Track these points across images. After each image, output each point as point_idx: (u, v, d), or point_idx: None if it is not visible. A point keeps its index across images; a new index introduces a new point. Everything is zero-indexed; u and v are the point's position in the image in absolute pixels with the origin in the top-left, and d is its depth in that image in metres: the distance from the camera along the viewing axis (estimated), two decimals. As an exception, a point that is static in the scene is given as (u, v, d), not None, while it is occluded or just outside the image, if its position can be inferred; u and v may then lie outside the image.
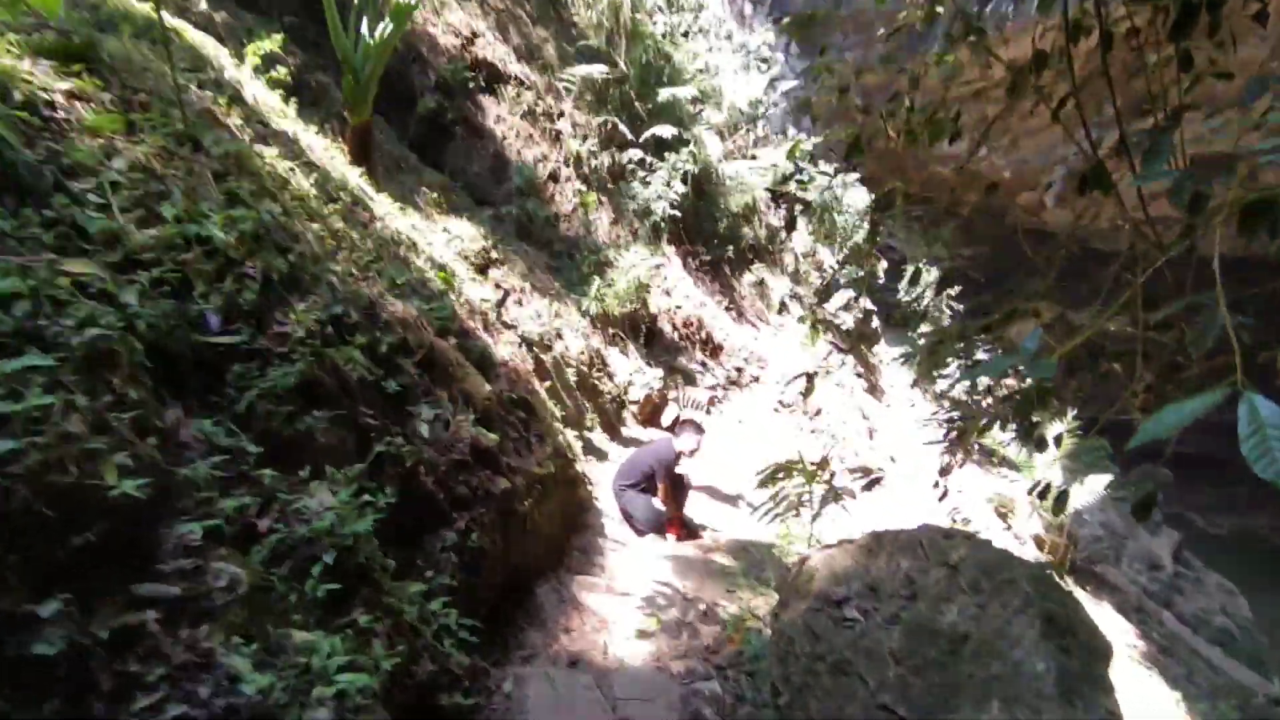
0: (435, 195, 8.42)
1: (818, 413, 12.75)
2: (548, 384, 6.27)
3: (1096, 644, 2.55)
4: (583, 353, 8.63)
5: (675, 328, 11.87)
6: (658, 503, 5.71)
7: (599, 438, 7.90)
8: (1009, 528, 14.51)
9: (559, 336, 8.39)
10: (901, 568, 3.01)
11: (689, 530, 5.92)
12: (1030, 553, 14.22)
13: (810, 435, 11.98)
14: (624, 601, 4.04)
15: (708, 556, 5.23)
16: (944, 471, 4.68)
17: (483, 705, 2.95)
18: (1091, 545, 15.92)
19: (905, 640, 2.78)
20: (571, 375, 7.95)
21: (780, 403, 12.34)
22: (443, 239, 7.71)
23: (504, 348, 4.88)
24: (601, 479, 6.58)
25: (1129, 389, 4.25)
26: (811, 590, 3.24)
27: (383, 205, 4.77)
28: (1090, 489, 11.78)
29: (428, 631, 2.55)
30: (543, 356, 7.15)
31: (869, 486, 4.46)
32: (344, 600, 2.14)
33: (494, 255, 8.18)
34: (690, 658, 3.67)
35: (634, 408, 9.53)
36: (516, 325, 6.50)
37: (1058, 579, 12.58)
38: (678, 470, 5.93)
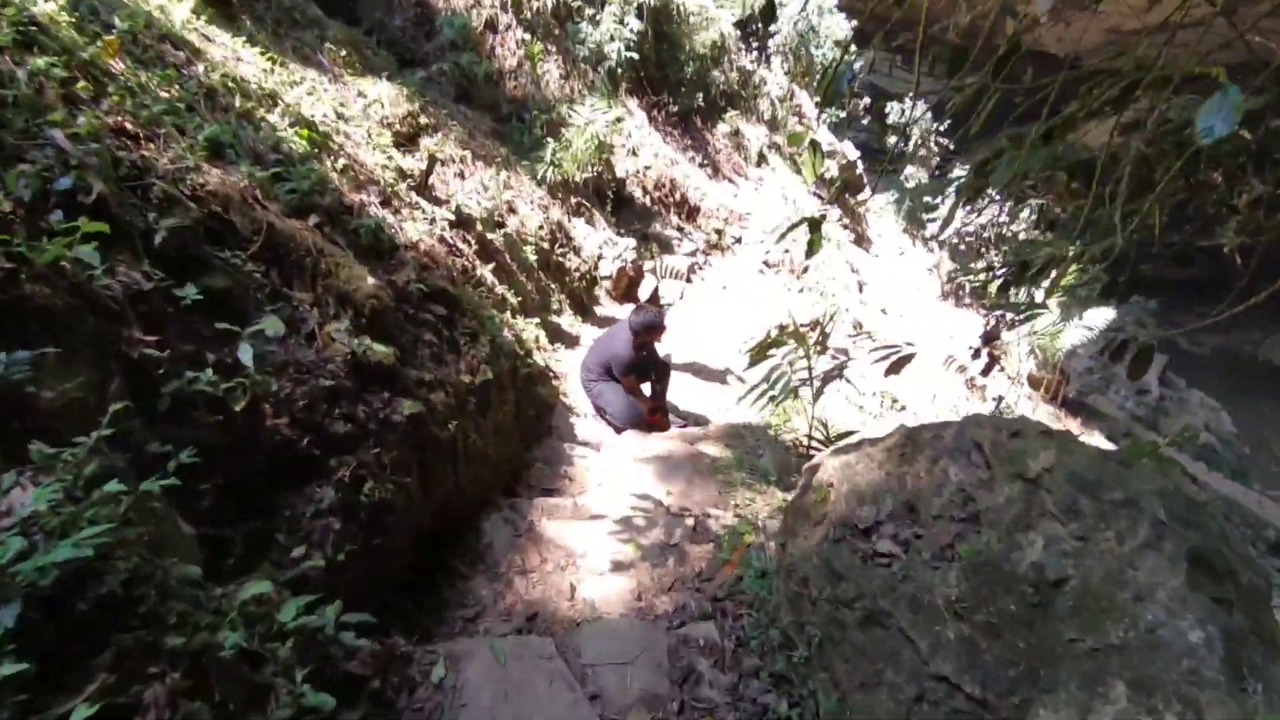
0: (344, 53, 6.96)
1: (805, 270, 11.74)
2: (491, 266, 5.20)
3: (1257, 583, 1.70)
4: (542, 227, 7.48)
5: (646, 191, 10.61)
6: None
7: (568, 321, 6.92)
8: (1002, 369, 13.94)
9: (511, 210, 7.21)
10: (951, 478, 2.13)
11: (672, 420, 5.09)
12: (1025, 391, 13.73)
13: (799, 295, 11.04)
14: (595, 526, 3.21)
15: (695, 449, 4.40)
16: (989, 338, 3.71)
17: (401, 706, 2.14)
18: (1083, 378, 15.46)
19: (967, 585, 1.93)
20: (530, 254, 6.86)
21: (765, 263, 11.29)
22: (358, 105, 6.38)
23: (417, 226, 3.78)
24: (571, 369, 5.67)
25: (1230, 202, 3.23)
26: (827, 513, 2.37)
27: (222, 48, 3.51)
28: (1090, 323, 11.02)
29: (282, 649, 1.67)
30: (490, 235, 6.03)
31: (894, 369, 3.38)
32: (67, 675, 1.24)
33: (424, 121, 6.84)
34: (678, 591, 2.87)
35: (607, 284, 8.49)
36: (449, 200, 5.34)
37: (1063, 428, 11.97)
38: (654, 355, 5.00)
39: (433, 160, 5.39)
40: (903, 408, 8.83)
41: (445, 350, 3.13)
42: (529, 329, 5.41)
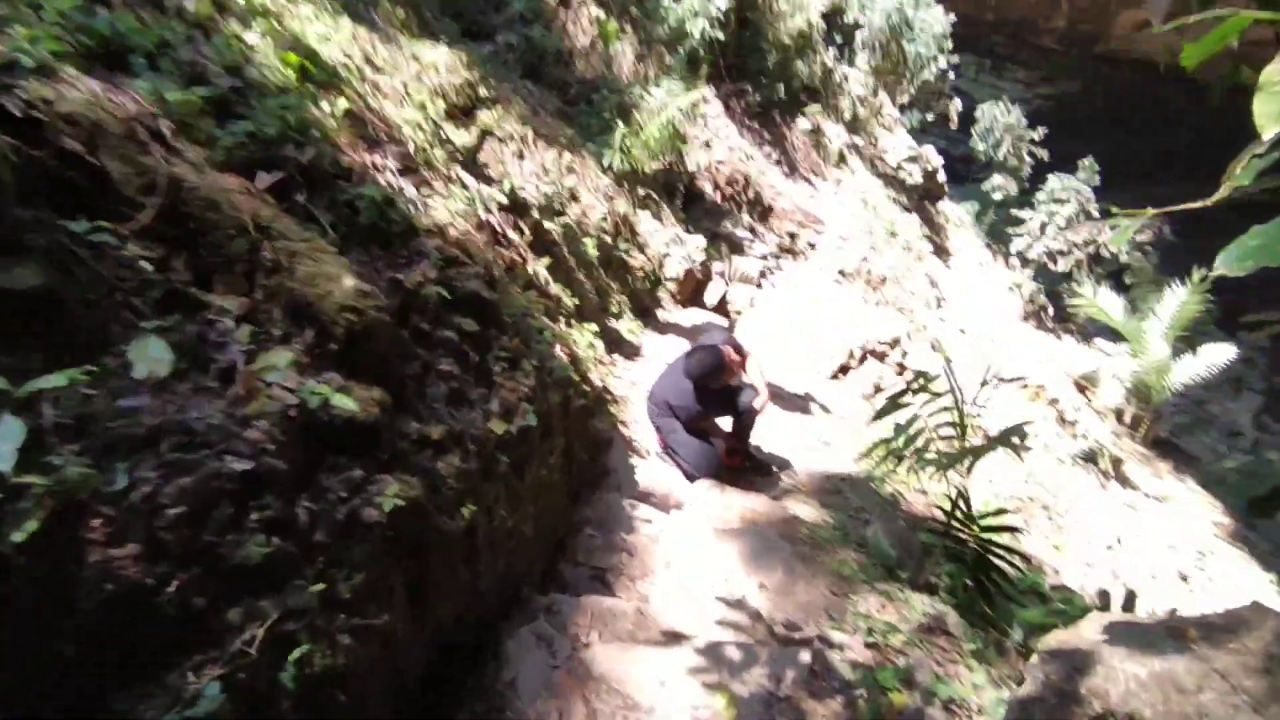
0: (401, 13, 6.00)
1: (882, 282, 10.46)
2: (546, 261, 4.15)
3: None
4: (605, 219, 6.43)
5: (717, 186, 9.46)
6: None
7: (628, 327, 5.84)
8: (1089, 401, 12.41)
9: (574, 198, 6.17)
10: None
11: (755, 464, 3.98)
12: (1111, 427, 12.19)
13: (876, 308, 9.78)
14: (667, 656, 2.12)
15: (786, 511, 3.30)
16: None
17: None
18: (1174, 416, 13.79)
19: None
20: (591, 248, 5.81)
21: (841, 272, 10.05)
22: (411, 70, 5.42)
23: (451, 206, 2.74)
24: (632, 388, 4.60)
25: None
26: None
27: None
28: (1204, 361, 9.49)
29: None
30: (548, 225, 4.99)
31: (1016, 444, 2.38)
32: None
33: (483, 93, 5.83)
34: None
35: (672, 285, 7.39)
36: (502, 180, 4.31)
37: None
38: (734, 387, 3.85)
39: (485, 133, 4.37)
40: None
41: (472, 384, 2.09)
42: (585, 338, 4.36)
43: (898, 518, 3.68)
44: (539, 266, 3.99)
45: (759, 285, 8.53)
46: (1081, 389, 12.17)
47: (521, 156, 5.98)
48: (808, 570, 2.75)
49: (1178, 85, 18.27)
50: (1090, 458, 9.55)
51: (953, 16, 11.94)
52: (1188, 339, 9.38)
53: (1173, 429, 12.93)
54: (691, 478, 3.55)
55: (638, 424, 4.05)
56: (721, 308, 7.86)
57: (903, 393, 2.89)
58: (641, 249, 7.02)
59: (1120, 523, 9.20)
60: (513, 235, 3.78)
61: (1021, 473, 7.23)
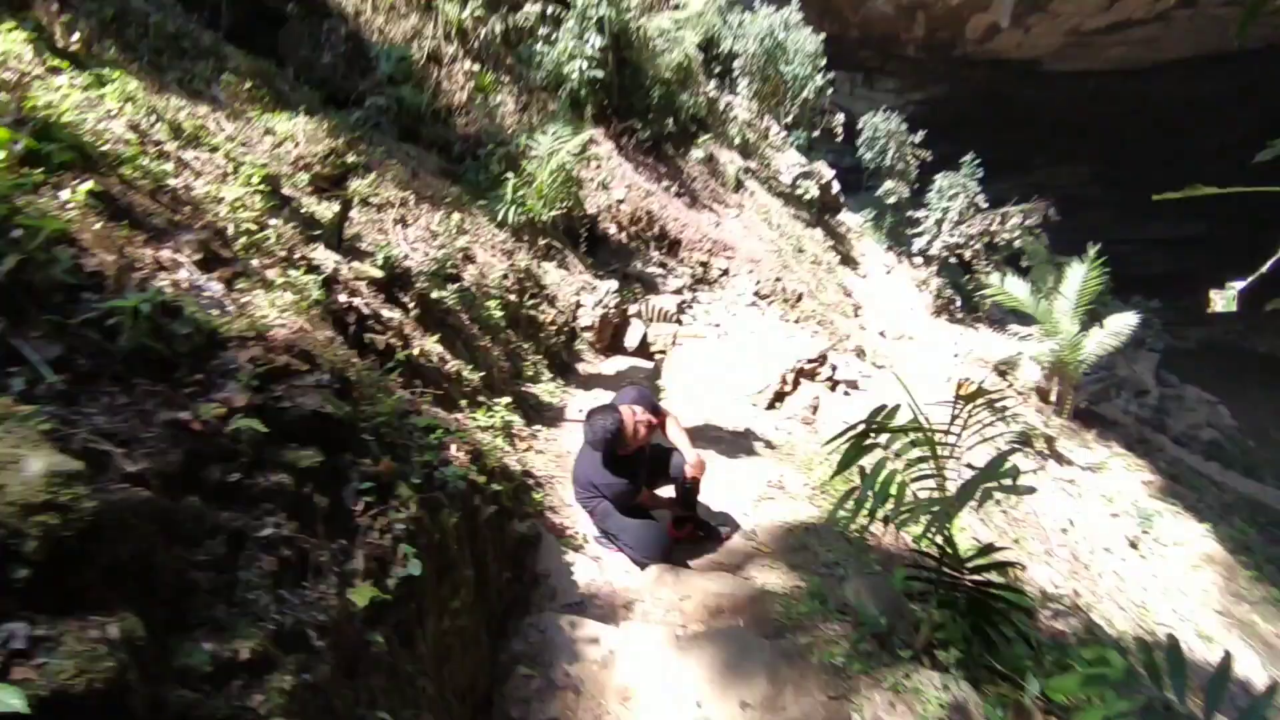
0: (248, 85, 5.37)
1: (799, 299, 10.28)
2: (436, 337, 3.55)
3: None
4: (506, 276, 5.88)
5: (621, 226, 9.09)
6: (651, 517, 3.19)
7: (547, 390, 5.28)
8: (1010, 384, 12.56)
9: (468, 259, 5.61)
10: None
11: (707, 531, 3.45)
12: (1034, 406, 12.35)
13: (798, 326, 9.55)
14: None
15: (752, 585, 2.78)
16: None
17: None
18: (1089, 386, 14.17)
19: None
20: (495, 310, 5.24)
21: (757, 295, 9.80)
22: (267, 144, 4.79)
23: (278, 299, 2.12)
24: (559, 462, 4.02)
25: None
26: None
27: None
28: (1111, 331, 9.68)
29: None
30: (438, 294, 4.40)
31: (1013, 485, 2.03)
32: None
33: (352, 159, 5.24)
34: None
35: (589, 335, 6.88)
36: (375, 252, 3.72)
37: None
38: (653, 447, 3.33)
39: (348, 202, 3.77)
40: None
41: (320, 543, 1.49)
42: (497, 415, 3.77)
43: (873, 565, 3.23)
44: (428, 343, 3.39)
45: (679, 321, 8.13)
46: (1002, 374, 12.31)
47: (404, 223, 5.40)
48: (794, 671, 2.23)
49: (1028, 79, 19.39)
50: (1024, 441, 9.51)
51: (822, 35, 12.15)
52: (1093, 312, 9.56)
53: (1089, 397, 13.23)
54: (640, 564, 3.00)
55: (570, 506, 3.47)
56: (644, 350, 7.40)
57: (862, 434, 2.44)
58: (551, 302, 6.50)
59: (1066, 503, 9.16)
60: (390, 314, 3.18)
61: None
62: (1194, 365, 19.19)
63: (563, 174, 6.96)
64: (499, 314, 5.20)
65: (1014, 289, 9.63)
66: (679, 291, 8.61)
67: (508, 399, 3.91)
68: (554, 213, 7.28)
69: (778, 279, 10.02)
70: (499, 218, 6.56)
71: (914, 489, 2.35)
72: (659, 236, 9.41)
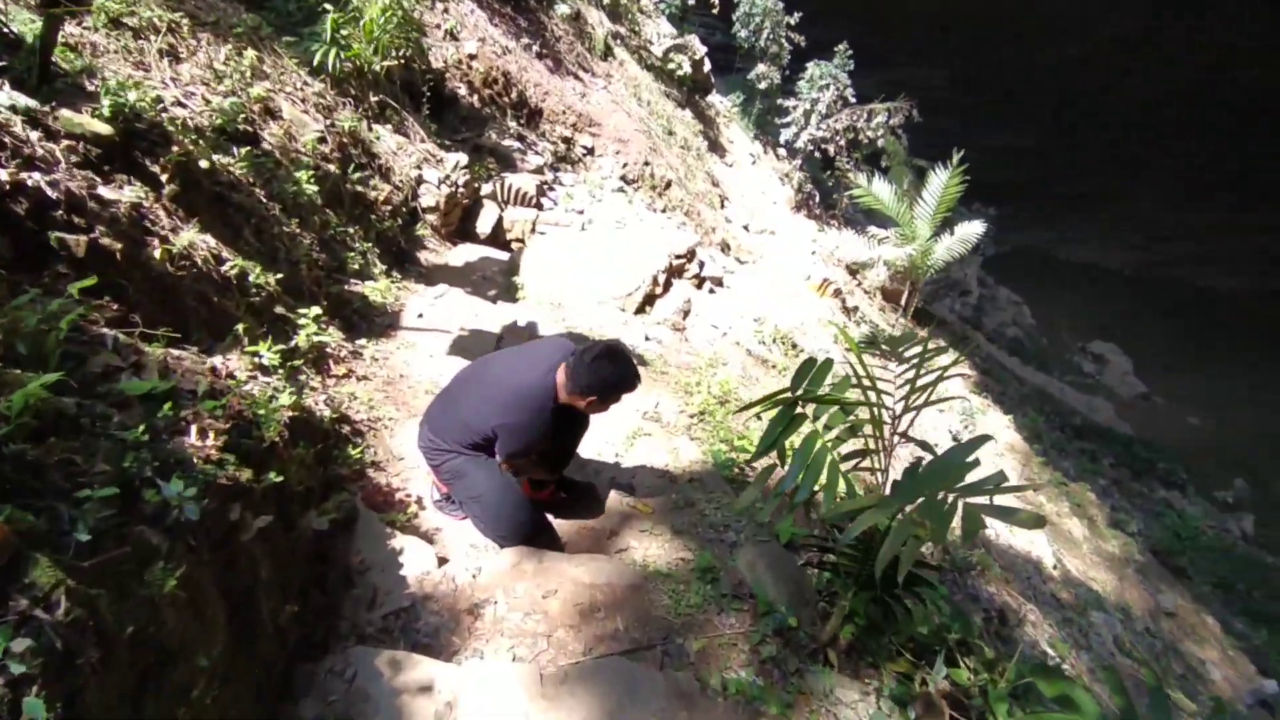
0: None
1: (667, 186, 9.58)
2: (194, 224, 2.51)
3: None
4: (324, 140, 4.67)
5: (474, 88, 7.77)
6: (511, 486, 2.44)
7: (376, 288, 4.31)
8: (860, 283, 12.91)
9: (269, 114, 4.33)
10: None
11: (574, 491, 2.86)
12: (878, 304, 12.84)
13: (665, 216, 8.90)
14: None
15: (633, 572, 2.25)
16: None
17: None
18: (926, 287, 14.97)
19: None
20: (306, 183, 4.09)
21: (624, 179, 8.97)
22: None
23: None
24: (392, 388, 3.20)
25: None
26: None
27: None
28: (960, 238, 9.96)
29: None
30: (220, 159, 3.25)
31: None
32: None
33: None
34: None
35: (432, 218, 5.83)
36: (105, 95, 2.54)
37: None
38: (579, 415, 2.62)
39: (55, 16, 2.49)
40: (800, 349, 7.16)
41: None
42: (302, 336, 2.85)
43: (755, 519, 2.83)
44: (187, 236, 2.38)
45: (539, 205, 7.19)
46: (852, 273, 12.57)
47: (175, 56, 4.01)
48: (695, 714, 1.76)
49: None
50: (871, 341, 9.75)
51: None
52: (946, 219, 9.76)
53: (924, 298, 13.94)
54: (500, 543, 2.34)
55: (403, 459, 2.71)
56: (498, 238, 6.48)
57: (790, 403, 1.89)
58: (385, 175, 5.35)
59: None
60: (115, 194, 2.13)
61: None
62: (1007, 268, 20.98)
63: (399, 12, 5.60)
64: (312, 189, 4.09)
65: (880, 192, 9.53)
66: (539, 171, 7.60)
67: (317, 309, 2.98)
68: (389, 62, 5.93)
69: (646, 163, 9.22)
70: (315, 61, 5.17)
71: (847, 472, 1.86)
72: (517, 104, 8.19)
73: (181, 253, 2.29)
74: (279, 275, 2.99)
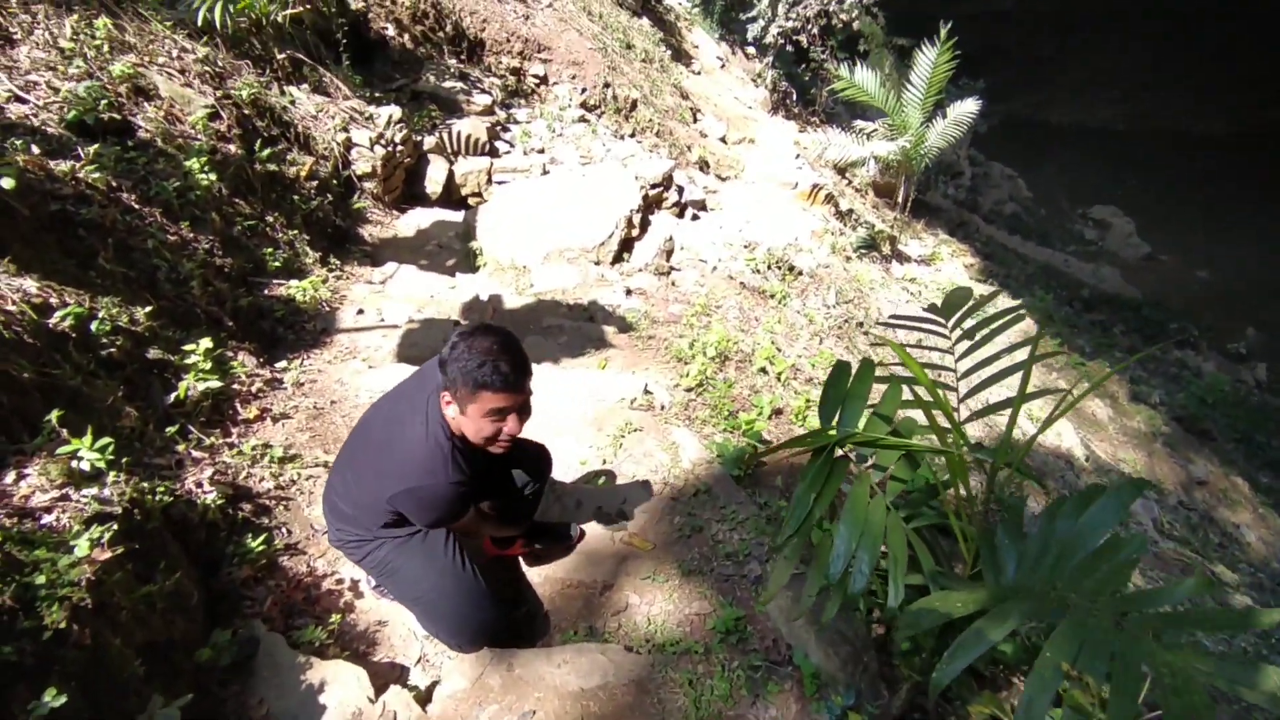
0: None
1: (633, 107, 8.62)
2: (7, 259, 1.85)
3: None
4: (217, 116, 3.88)
5: (402, 26, 6.79)
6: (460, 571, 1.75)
7: (306, 283, 3.63)
8: (850, 182, 12.00)
9: (140, 94, 3.54)
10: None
11: (550, 536, 2.19)
12: (870, 200, 11.98)
13: (634, 142, 8.02)
14: None
15: (630, 653, 1.70)
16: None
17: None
18: (920, 176, 14.02)
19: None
20: (197, 171, 3.35)
21: (584, 105, 8.03)
22: None
23: None
24: (307, 430, 2.59)
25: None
26: None
27: None
28: (954, 120, 9.03)
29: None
30: (69, 164, 2.53)
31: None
32: None
33: None
34: None
35: (370, 185, 5.06)
36: None
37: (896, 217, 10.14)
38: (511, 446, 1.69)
39: None
40: (798, 271, 6.46)
41: None
42: (190, 381, 2.21)
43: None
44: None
45: (493, 151, 6.36)
46: (840, 172, 11.66)
47: (6, 38, 3.23)
48: None
49: None
50: (870, 244, 9.01)
51: None
52: (939, 101, 8.81)
53: (917, 187, 13.05)
54: (461, 648, 1.76)
55: (322, 533, 2.13)
56: (450, 196, 5.71)
57: (827, 456, 1.28)
58: (305, 145, 4.57)
59: (911, 308, 8.97)
60: None
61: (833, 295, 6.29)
62: (997, 141, 19.80)
63: (285, -53, 4.67)
64: (207, 179, 3.35)
65: (863, 81, 8.56)
66: (489, 111, 6.72)
67: (208, 341, 2.34)
68: (292, 10, 5.03)
69: (607, 84, 8.25)
70: (201, 21, 4.30)
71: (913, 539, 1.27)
72: (454, 38, 7.20)
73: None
74: (151, 306, 2.33)
